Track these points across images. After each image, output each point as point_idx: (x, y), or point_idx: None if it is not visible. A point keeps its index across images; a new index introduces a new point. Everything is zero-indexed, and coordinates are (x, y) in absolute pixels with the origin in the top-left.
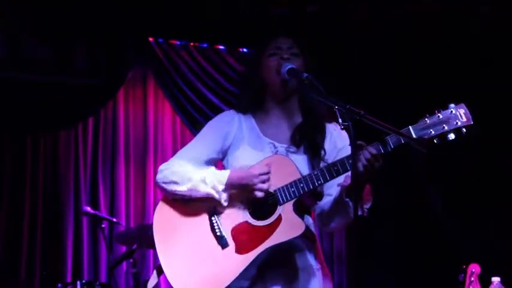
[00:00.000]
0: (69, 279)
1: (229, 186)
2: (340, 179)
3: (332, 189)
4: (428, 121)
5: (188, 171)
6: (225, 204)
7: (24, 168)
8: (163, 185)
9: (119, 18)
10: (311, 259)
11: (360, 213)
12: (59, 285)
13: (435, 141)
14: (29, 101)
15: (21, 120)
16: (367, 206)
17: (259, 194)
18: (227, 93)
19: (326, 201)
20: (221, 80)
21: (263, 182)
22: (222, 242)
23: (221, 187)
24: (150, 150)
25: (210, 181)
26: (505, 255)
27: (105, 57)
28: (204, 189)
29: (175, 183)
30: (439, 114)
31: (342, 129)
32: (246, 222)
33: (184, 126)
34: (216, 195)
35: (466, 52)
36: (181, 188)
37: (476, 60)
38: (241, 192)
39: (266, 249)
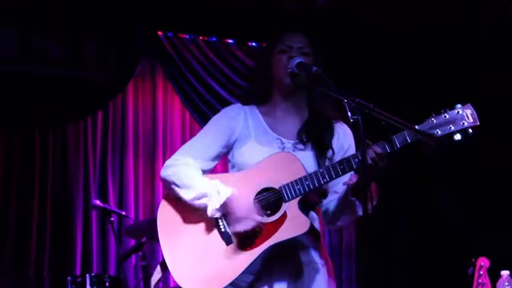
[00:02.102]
0: (78, 272)
1: (224, 208)
2: (346, 177)
3: (338, 186)
4: (434, 121)
5: (191, 179)
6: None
7: (33, 162)
8: (166, 183)
9: (128, 12)
10: (315, 255)
11: (361, 212)
12: (69, 278)
13: (442, 141)
14: (38, 95)
15: (31, 114)
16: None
17: (245, 228)
18: (236, 86)
19: (331, 199)
20: (230, 74)
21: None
22: (226, 238)
23: (218, 204)
24: (159, 143)
25: (208, 199)
26: None
27: (115, 51)
28: (203, 203)
29: (176, 186)
30: (445, 114)
31: (352, 122)
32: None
33: (193, 119)
34: (209, 213)
35: None
36: (181, 193)
37: None
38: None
39: (271, 246)
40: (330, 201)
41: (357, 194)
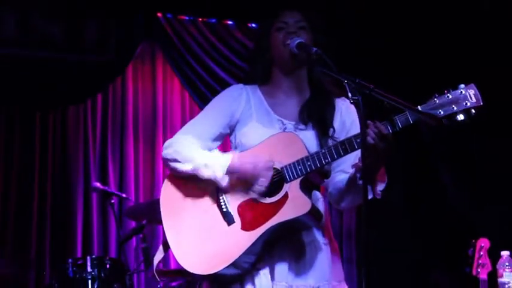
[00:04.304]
0: (79, 255)
1: (231, 172)
2: (352, 156)
3: (344, 165)
4: (437, 101)
5: (192, 151)
6: (225, 186)
7: (33, 145)
8: (167, 162)
9: None
10: (318, 235)
11: (371, 195)
12: (69, 260)
13: (444, 121)
14: (38, 78)
15: (31, 97)
16: (380, 187)
17: (259, 187)
18: (236, 68)
19: (340, 179)
20: (230, 55)
21: (266, 172)
22: (228, 218)
23: (222, 172)
24: (159, 125)
25: (212, 165)
26: None
27: (114, 33)
28: (206, 174)
29: (178, 161)
30: (448, 94)
31: (352, 103)
32: (252, 199)
33: (193, 101)
34: (217, 180)
35: None
36: (184, 167)
37: None
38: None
39: (272, 227)
40: (338, 181)
41: (365, 178)
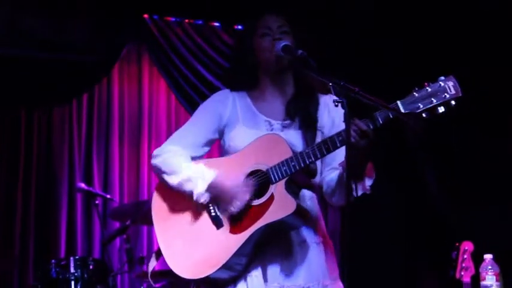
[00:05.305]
0: (62, 255)
1: (213, 187)
2: (342, 153)
3: (335, 162)
4: (416, 95)
5: (179, 164)
6: (204, 203)
7: (18, 144)
8: (156, 171)
9: None
10: (309, 234)
11: (360, 191)
12: (53, 261)
13: (424, 115)
14: (24, 77)
15: (16, 96)
16: (369, 182)
17: (233, 209)
18: (221, 70)
19: (330, 178)
20: (216, 57)
21: (242, 196)
22: (217, 222)
23: (203, 188)
24: (144, 126)
25: (195, 180)
26: (498, 232)
27: (101, 34)
28: (189, 188)
29: (164, 173)
30: (427, 88)
31: (336, 105)
32: None
33: (179, 102)
34: (198, 196)
35: None
36: (169, 180)
37: None
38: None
39: (259, 228)
40: (330, 179)
41: (352, 176)
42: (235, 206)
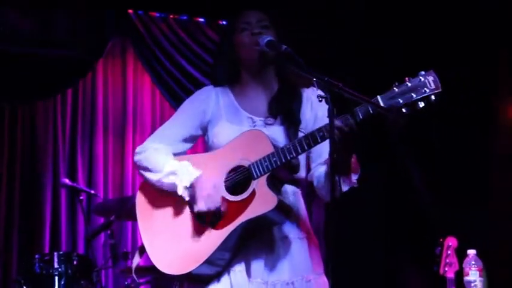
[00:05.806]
0: (46, 250)
1: (194, 188)
2: (327, 147)
3: (321, 158)
4: (396, 90)
5: (161, 159)
6: (187, 199)
7: (2, 139)
8: (138, 169)
9: None
10: (292, 229)
11: (347, 186)
12: (36, 256)
13: (404, 110)
14: (7, 72)
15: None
16: (355, 177)
17: (208, 207)
18: (206, 65)
19: (318, 173)
20: (201, 52)
21: (212, 203)
22: (199, 218)
23: (188, 181)
24: (129, 122)
25: (180, 174)
26: (481, 228)
27: (85, 29)
28: (172, 182)
29: (147, 169)
30: (407, 83)
31: (320, 101)
32: (222, 197)
33: (163, 98)
34: (180, 191)
35: None
36: (151, 176)
37: None
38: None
39: (241, 224)
40: (318, 175)
41: (338, 171)
42: (215, 203)
